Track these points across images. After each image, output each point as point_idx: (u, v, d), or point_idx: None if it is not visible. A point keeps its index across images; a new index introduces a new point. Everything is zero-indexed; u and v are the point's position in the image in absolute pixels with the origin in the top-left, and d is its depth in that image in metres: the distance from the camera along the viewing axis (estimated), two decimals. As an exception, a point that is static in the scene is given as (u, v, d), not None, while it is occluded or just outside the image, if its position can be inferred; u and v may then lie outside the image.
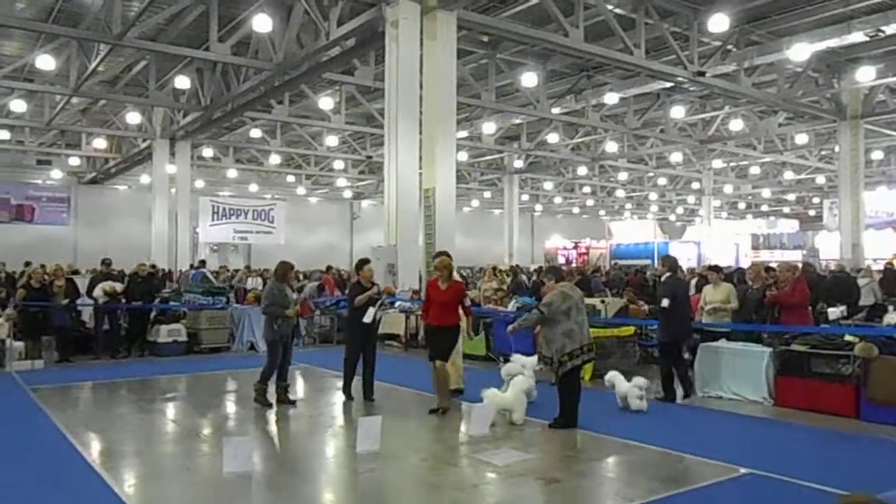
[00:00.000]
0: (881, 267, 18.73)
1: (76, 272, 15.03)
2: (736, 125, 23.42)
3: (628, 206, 48.31)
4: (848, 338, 8.55)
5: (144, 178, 29.34)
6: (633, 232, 37.07)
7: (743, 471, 6.05)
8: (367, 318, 8.92)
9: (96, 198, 33.42)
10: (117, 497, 5.44)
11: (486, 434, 7.26)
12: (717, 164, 32.96)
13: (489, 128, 23.44)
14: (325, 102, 20.47)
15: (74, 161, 29.80)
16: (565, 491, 5.77)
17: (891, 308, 11.09)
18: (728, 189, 39.91)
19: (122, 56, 18.07)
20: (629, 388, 8.34)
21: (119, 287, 13.54)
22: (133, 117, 21.86)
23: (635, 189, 40.62)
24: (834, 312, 11.39)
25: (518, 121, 24.42)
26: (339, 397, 9.47)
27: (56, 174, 31.68)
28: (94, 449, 7.12)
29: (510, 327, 8.20)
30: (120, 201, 33.92)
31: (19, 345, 12.40)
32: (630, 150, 28.15)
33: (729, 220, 45.73)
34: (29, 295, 12.65)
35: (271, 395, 9.05)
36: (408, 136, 14.30)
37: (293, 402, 9.08)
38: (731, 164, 33.58)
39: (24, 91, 19.16)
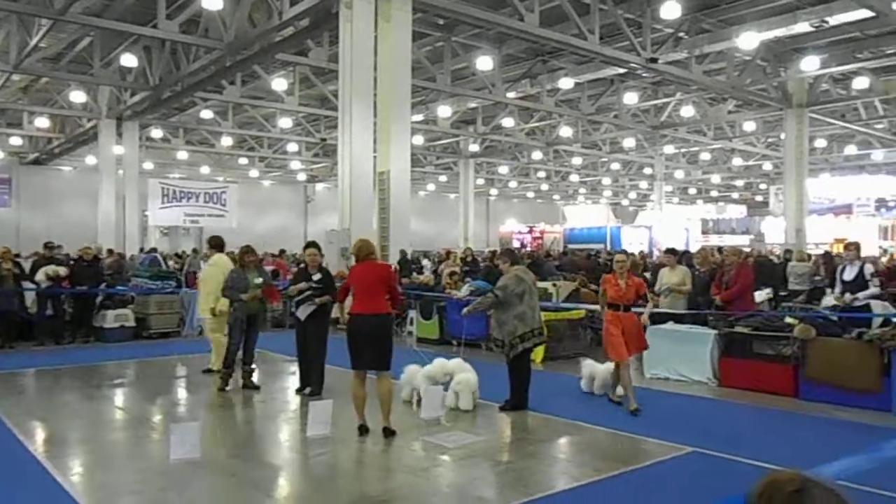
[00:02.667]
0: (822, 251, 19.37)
1: (18, 256, 14.53)
2: (687, 112, 23.83)
3: (582, 190, 48.85)
4: (788, 320, 8.84)
5: (90, 159, 28.49)
6: (586, 216, 37.52)
7: (688, 449, 6.23)
8: (301, 315, 8.59)
9: (39, 179, 32.36)
10: (61, 487, 5.33)
11: (438, 417, 7.31)
12: (669, 149, 33.54)
13: (444, 111, 23.38)
14: (279, 83, 20.15)
15: (15, 141, 28.78)
16: (516, 471, 5.85)
17: (828, 291, 11.48)
18: (679, 174, 40.67)
19: (66, 32, 17.44)
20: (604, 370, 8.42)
21: (63, 271, 13.18)
22: (77, 96, 21.16)
23: (589, 174, 41.07)
24: (760, 295, 11.74)
25: (473, 105, 24.41)
26: (292, 382, 9.42)
27: (-4, 154, 30.58)
28: (37, 438, 6.95)
29: (465, 310, 8.26)
30: (64, 183, 32.93)
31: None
32: (584, 135, 28.41)
33: (680, 206, 46.63)
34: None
35: (236, 380, 8.97)
36: (362, 118, 14.17)
37: (257, 387, 9.01)
38: (682, 150, 34.18)
39: (-39, 67, 18.38)
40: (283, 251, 21.50)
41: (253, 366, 9.19)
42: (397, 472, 5.89)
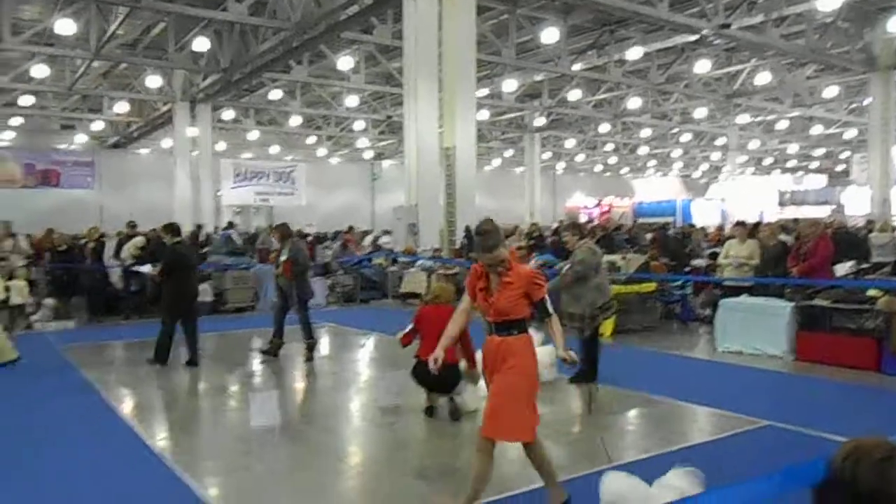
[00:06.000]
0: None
1: (103, 235, 15.26)
2: (763, 78, 22.91)
3: (651, 163, 47.73)
4: (871, 292, 8.48)
5: (166, 142, 29.50)
6: (656, 189, 36.67)
7: (763, 423, 6.09)
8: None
9: (119, 162, 33.70)
10: (150, 450, 5.63)
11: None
12: (743, 118, 32.36)
13: (510, 85, 23.17)
14: (344, 62, 20.34)
15: (97, 125, 29.98)
16: (585, 443, 5.86)
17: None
18: (754, 144, 39.22)
19: (141, 18, 18.05)
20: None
21: (140, 241, 13.74)
22: (153, 80, 21.88)
23: (658, 146, 40.07)
24: (842, 268, 11.29)
25: (539, 78, 24.11)
26: (363, 354, 9.65)
27: (80, 139, 31.93)
28: (126, 405, 7.34)
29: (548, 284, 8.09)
30: (143, 165, 34.19)
31: (51, 301, 12.79)
32: (653, 105, 27.72)
33: (755, 177, 45.00)
34: (56, 258, 12.95)
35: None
36: (427, 94, 14.20)
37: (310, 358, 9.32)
38: (758, 118, 32.95)
39: (46, 56, 19.23)
40: (351, 227, 21.88)
41: (311, 340, 9.37)
42: (466, 443, 5.98)
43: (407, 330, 6.62)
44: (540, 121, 31.69)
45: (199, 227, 18.91)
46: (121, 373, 9.03)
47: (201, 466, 5.30)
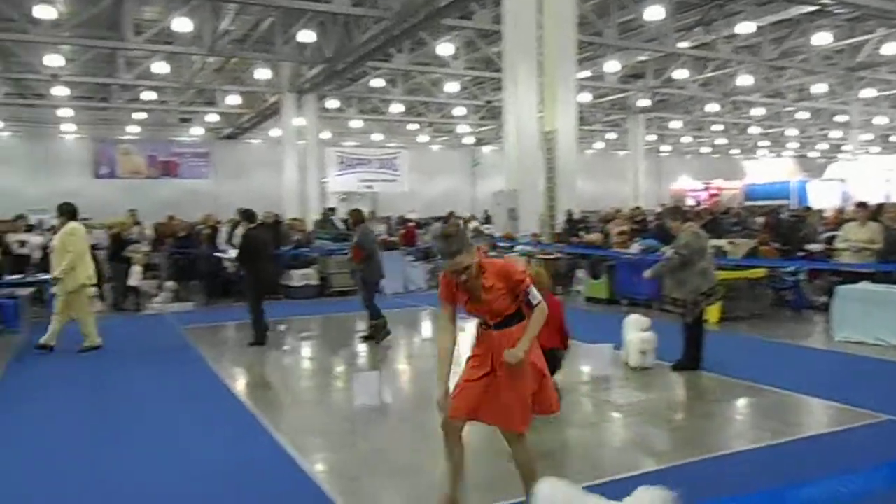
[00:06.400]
0: None
1: (218, 222, 16.11)
2: (890, 49, 21.26)
3: (763, 143, 45.39)
4: None
5: (275, 132, 30.67)
6: (768, 170, 34.93)
7: (883, 418, 5.75)
8: None
9: (232, 152, 35.34)
10: (260, 425, 5.94)
11: (606, 374, 7.27)
12: (868, 93, 30.16)
13: (612, 66, 22.58)
14: (444, 48, 20.44)
15: (212, 118, 31.53)
16: (688, 430, 5.73)
17: None
18: (880, 120, 36.53)
19: (250, 14, 18.81)
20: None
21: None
22: (262, 73, 22.77)
23: (772, 125, 38.01)
24: None
25: (643, 58, 23.38)
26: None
27: (196, 131, 33.71)
28: (238, 382, 7.77)
29: (647, 272, 7.94)
30: (253, 154, 35.70)
31: (171, 284, 13.67)
32: (766, 83, 26.31)
33: (881, 155, 41.98)
34: (176, 244, 13.81)
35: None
36: (527, 78, 14.09)
37: (369, 338, 9.65)
38: (885, 92, 30.65)
39: (165, 53, 20.38)
40: (451, 213, 22.07)
41: (373, 322, 9.61)
42: (566, 426, 5.96)
43: None
44: (644, 102, 30.76)
45: (278, 216, 19.57)
46: (233, 352, 9.53)
47: (308, 442, 5.55)
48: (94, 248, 10.76)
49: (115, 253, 13.23)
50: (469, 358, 4.10)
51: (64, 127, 31.58)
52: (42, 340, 9.14)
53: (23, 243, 12.83)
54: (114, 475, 4.84)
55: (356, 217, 10.07)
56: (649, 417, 6.00)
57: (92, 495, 4.56)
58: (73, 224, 9.15)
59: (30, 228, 15.03)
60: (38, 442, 5.64)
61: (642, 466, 4.85)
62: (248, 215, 10.03)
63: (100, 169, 32.70)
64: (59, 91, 23.71)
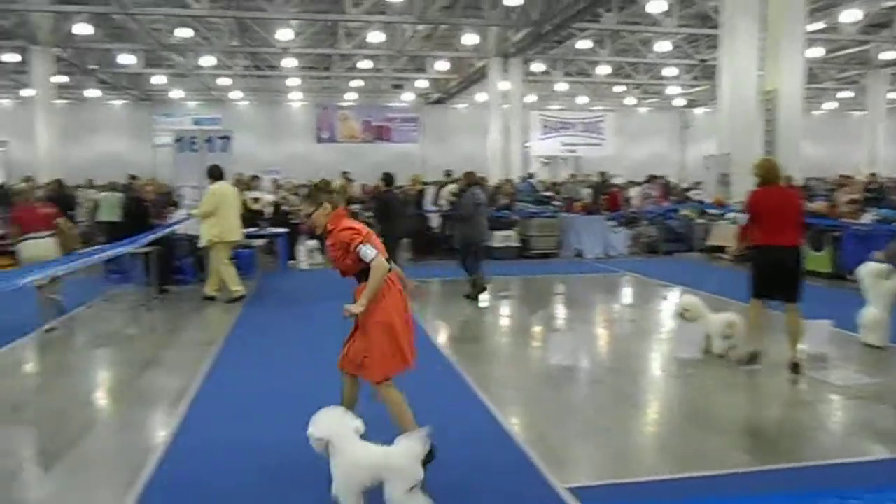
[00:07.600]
0: None
1: (425, 183, 16.84)
2: None
3: None
4: None
5: (480, 96, 31.21)
6: None
7: None
8: None
9: (440, 117, 36.56)
10: (461, 376, 6.24)
11: (822, 353, 6.70)
12: None
13: (851, 15, 20.18)
14: (656, 6, 19.41)
15: (422, 84, 32.78)
16: (918, 421, 5.15)
17: None
18: None
19: (460, -21, 19.21)
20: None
21: (454, 188, 14.86)
22: (470, 38, 23.21)
23: None
24: None
25: (890, 3, 20.64)
26: (664, 305, 9.47)
27: (407, 97, 35.27)
28: (441, 336, 8.17)
29: (880, 254, 7.00)
30: (459, 119, 36.66)
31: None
32: None
33: None
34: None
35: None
36: (747, 34, 13.15)
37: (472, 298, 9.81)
38: None
39: (380, 23, 21.47)
40: (653, 176, 21.30)
41: (476, 279, 9.89)
42: (774, 404, 5.63)
43: (743, 225, 6.62)
44: (889, 55, 27.16)
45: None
46: (437, 307, 10.01)
47: (503, 395, 5.73)
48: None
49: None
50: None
51: (291, 95, 34.55)
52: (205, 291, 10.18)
53: (256, 199, 14.31)
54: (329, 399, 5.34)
55: (470, 179, 10.24)
56: (871, 401, 5.46)
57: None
58: (214, 185, 10.12)
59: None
60: (273, 363, 6.40)
61: (870, 453, 4.49)
62: (385, 178, 10.88)
63: (321, 133, 35.42)
64: (288, 62, 25.90)
